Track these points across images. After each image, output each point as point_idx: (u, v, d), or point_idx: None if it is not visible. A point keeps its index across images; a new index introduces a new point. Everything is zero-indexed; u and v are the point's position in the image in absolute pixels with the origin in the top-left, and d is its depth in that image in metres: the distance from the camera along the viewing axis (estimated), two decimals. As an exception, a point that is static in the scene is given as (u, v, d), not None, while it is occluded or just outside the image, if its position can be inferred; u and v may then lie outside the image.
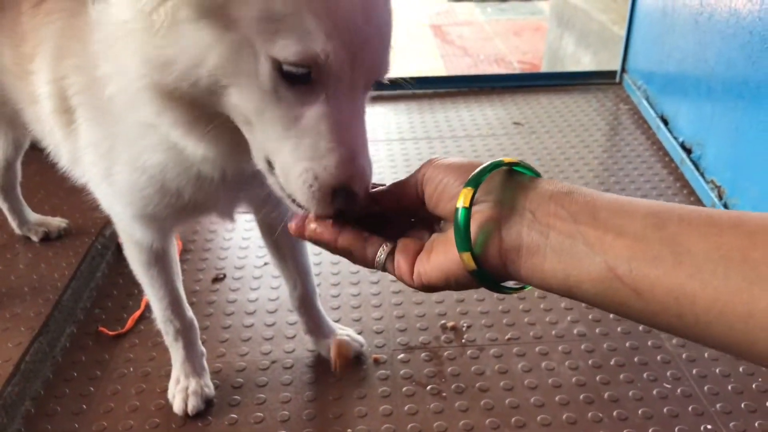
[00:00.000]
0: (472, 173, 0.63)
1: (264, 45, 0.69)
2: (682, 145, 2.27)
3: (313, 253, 1.86)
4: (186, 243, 1.92)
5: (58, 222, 1.89)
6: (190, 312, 1.36)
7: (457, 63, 5.90)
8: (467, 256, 0.61)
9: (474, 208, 0.62)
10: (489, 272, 0.62)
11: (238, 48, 0.71)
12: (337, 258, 1.84)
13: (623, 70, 2.94)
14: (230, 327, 1.60)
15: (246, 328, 1.60)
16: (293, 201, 0.76)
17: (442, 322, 1.59)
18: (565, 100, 2.88)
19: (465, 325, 1.58)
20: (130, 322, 1.60)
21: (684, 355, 1.48)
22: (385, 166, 2.36)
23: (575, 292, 0.58)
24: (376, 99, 3.04)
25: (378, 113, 2.82)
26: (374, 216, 0.73)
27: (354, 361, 1.47)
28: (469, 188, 0.61)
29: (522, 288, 0.65)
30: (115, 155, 1.05)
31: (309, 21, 0.67)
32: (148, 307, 1.62)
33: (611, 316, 1.60)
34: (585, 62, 3.97)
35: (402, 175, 2.36)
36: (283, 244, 1.39)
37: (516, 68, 5.79)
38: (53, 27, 1.10)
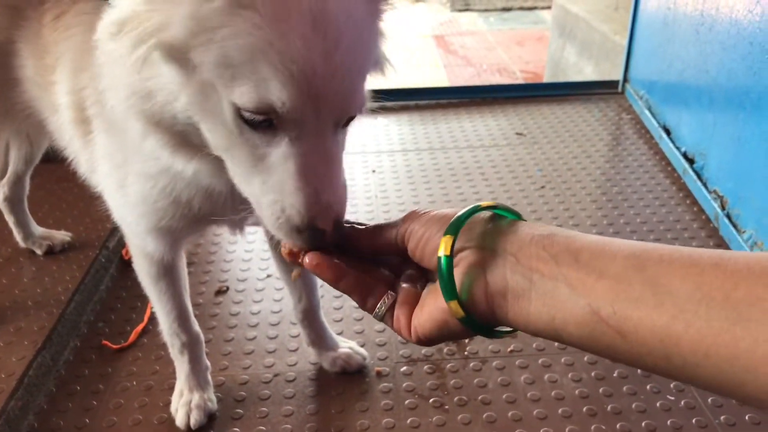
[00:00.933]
0: (451, 220, 0.63)
1: (224, 90, 0.70)
2: (685, 155, 2.27)
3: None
4: (189, 255, 1.92)
5: (62, 236, 1.90)
6: (196, 326, 1.36)
7: (459, 73, 5.92)
8: (454, 304, 0.61)
9: (457, 256, 0.63)
10: (478, 318, 0.62)
11: (203, 90, 0.73)
12: (339, 270, 1.84)
13: (625, 79, 2.94)
14: (233, 340, 1.60)
15: (249, 341, 1.60)
16: None
17: (445, 334, 1.59)
18: (567, 110, 2.88)
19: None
20: (133, 336, 1.61)
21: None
22: (389, 178, 2.37)
23: (562, 336, 0.58)
24: (379, 110, 3.04)
25: (381, 124, 2.83)
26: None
27: (357, 374, 1.47)
28: (449, 236, 0.62)
29: (513, 331, 0.64)
30: (128, 166, 1.07)
31: (264, 70, 0.67)
32: (151, 321, 1.64)
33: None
34: (587, 72, 3.98)
35: (404, 186, 2.35)
36: None
37: (519, 77, 5.81)
38: (72, 40, 1.13)
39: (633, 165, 2.39)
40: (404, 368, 1.49)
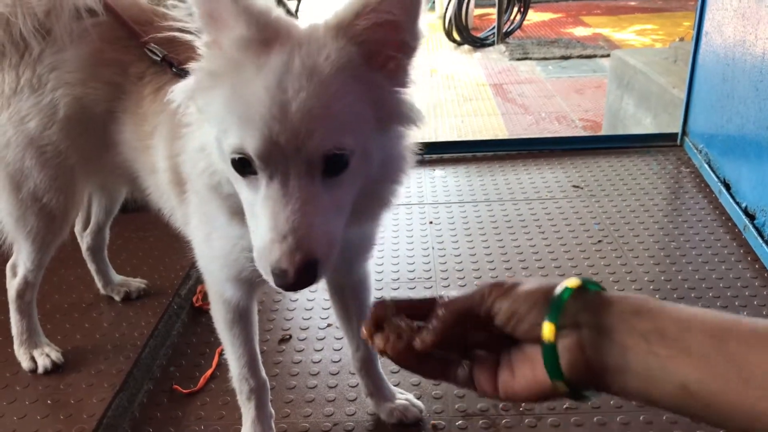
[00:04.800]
0: (549, 305, 0.68)
1: (223, 140, 0.87)
2: (746, 211, 2.26)
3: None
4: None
5: (137, 283, 2.03)
6: (263, 372, 1.44)
7: (518, 121, 5.96)
8: (560, 384, 0.68)
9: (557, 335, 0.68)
10: (579, 390, 0.68)
11: (218, 143, 0.89)
12: (397, 322, 1.90)
13: (684, 132, 2.94)
14: (295, 388, 1.67)
15: (309, 389, 1.67)
16: None
17: (500, 388, 1.62)
18: (625, 163, 2.90)
19: (522, 392, 1.60)
20: (202, 381, 1.70)
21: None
22: (446, 229, 2.43)
23: (658, 405, 0.64)
24: (436, 162, 3.13)
25: (438, 175, 2.90)
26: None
27: (413, 426, 1.52)
28: (551, 323, 0.67)
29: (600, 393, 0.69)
30: (213, 223, 1.19)
31: (237, 120, 0.83)
32: (218, 367, 1.73)
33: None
34: (646, 123, 3.98)
35: (461, 238, 2.39)
36: (350, 306, 1.47)
37: (578, 125, 5.81)
38: (168, 112, 1.25)
39: (692, 220, 2.38)
40: (460, 422, 1.53)
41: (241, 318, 1.35)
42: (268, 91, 0.82)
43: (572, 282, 0.69)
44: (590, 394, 0.69)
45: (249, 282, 1.24)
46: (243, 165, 0.85)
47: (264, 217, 0.84)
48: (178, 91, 0.97)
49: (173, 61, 1.28)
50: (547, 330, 0.67)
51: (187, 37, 0.95)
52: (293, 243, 0.82)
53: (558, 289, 0.69)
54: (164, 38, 1.33)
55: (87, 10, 1.37)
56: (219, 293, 1.32)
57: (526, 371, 0.71)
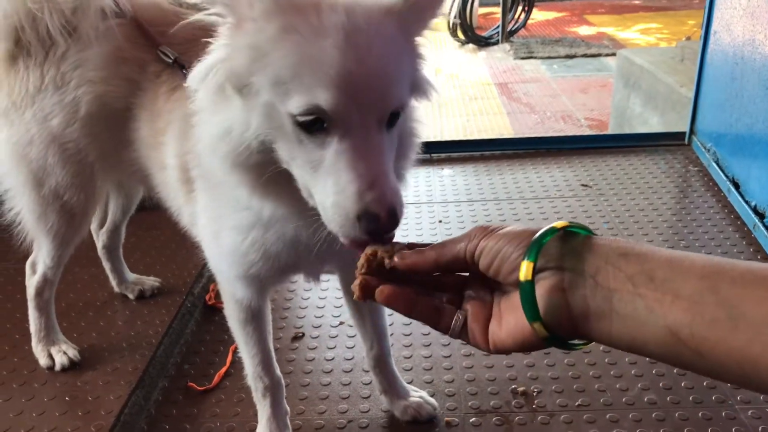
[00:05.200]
0: (529, 244, 0.67)
1: (281, 105, 0.86)
2: (755, 210, 2.26)
3: (386, 314, 1.94)
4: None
5: (151, 281, 2.04)
6: (278, 370, 1.46)
7: (523, 120, 5.98)
8: (538, 325, 0.66)
9: (537, 277, 0.67)
10: (559, 336, 0.67)
11: (267, 111, 0.88)
12: (409, 321, 1.91)
13: (692, 131, 2.95)
14: (309, 385, 1.69)
15: (323, 386, 1.68)
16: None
17: (513, 386, 1.63)
18: (633, 162, 2.90)
19: (535, 390, 1.62)
20: (216, 378, 1.71)
21: (760, 428, 1.47)
22: (455, 228, 2.44)
23: (642, 352, 0.63)
24: (444, 161, 3.14)
25: (447, 175, 2.92)
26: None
27: (427, 423, 1.53)
28: (530, 261, 0.66)
29: (588, 343, 0.69)
30: (222, 221, 1.21)
31: (309, 79, 0.83)
32: (233, 365, 1.74)
33: (682, 384, 1.60)
34: (653, 122, 3.98)
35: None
36: (364, 305, 1.48)
37: (583, 125, 5.82)
38: (179, 111, 1.27)
39: (701, 218, 2.39)
40: (473, 419, 1.54)
41: (254, 317, 1.36)
42: (339, 50, 0.83)
43: (559, 223, 0.68)
44: (574, 344, 0.68)
45: (259, 280, 1.25)
46: (312, 124, 0.85)
47: (344, 170, 0.85)
48: (193, 78, 0.97)
49: (184, 64, 1.29)
50: (525, 268, 0.66)
51: (211, 24, 0.95)
52: (381, 189, 0.84)
53: (542, 230, 0.68)
54: (183, 38, 1.37)
55: (112, 11, 1.40)
56: (231, 293, 1.34)
57: (510, 318, 0.70)
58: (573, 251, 0.66)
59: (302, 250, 1.15)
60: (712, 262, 0.58)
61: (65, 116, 1.42)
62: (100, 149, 1.48)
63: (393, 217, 0.83)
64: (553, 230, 0.67)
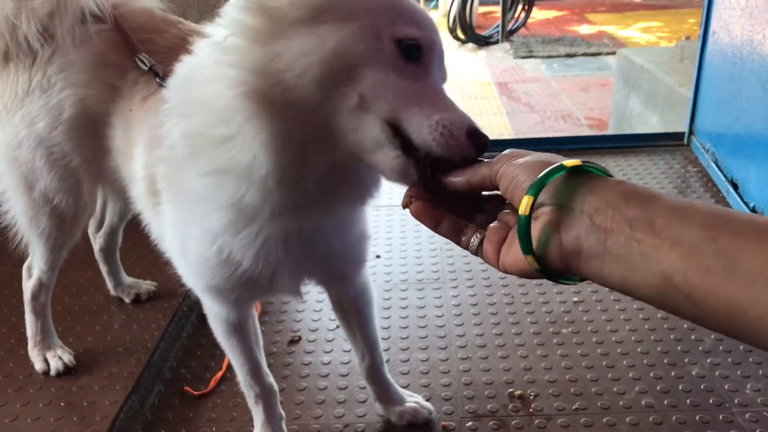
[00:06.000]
0: (536, 178, 0.68)
1: (390, 29, 0.87)
2: (753, 211, 2.26)
3: (381, 317, 1.94)
4: (264, 305, 2.03)
5: (147, 285, 2.04)
6: (270, 378, 1.45)
7: (523, 120, 5.97)
8: (530, 258, 0.68)
9: (537, 211, 0.68)
10: (551, 270, 0.69)
11: (361, 34, 0.87)
12: (405, 324, 1.91)
13: (691, 132, 2.94)
14: (305, 389, 1.68)
15: (320, 390, 1.68)
16: (421, 159, 0.84)
17: (510, 390, 1.63)
18: (632, 163, 2.90)
19: (532, 393, 1.61)
20: (212, 383, 1.71)
21: (758, 431, 1.46)
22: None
23: (632, 294, 0.63)
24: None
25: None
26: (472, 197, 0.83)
27: (423, 428, 1.52)
28: (530, 196, 0.67)
29: (583, 280, 0.69)
30: (188, 232, 1.17)
31: (417, 16, 0.91)
32: (229, 368, 1.73)
33: (680, 387, 1.60)
34: (653, 122, 3.97)
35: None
36: (352, 318, 1.47)
37: (583, 124, 5.81)
38: (149, 121, 1.26)
39: (700, 219, 2.38)
40: (470, 423, 1.54)
41: (235, 330, 1.35)
42: (423, 11, 0.93)
43: (570, 162, 0.68)
44: (567, 279, 0.70)
45: (223, 292, 1.21)
46: (411, 52, 0.88)
47: (442, 99, 0.89)
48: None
49: (159, 71, 1.27)
50: (524, 203, 0.67)
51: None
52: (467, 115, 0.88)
53: (549, 168, 0.68)
54: (165, 47, 1.36)
55: (93, 16, 1.38)
56: (209, 307, 1.33)
57: (516, 245, 0.71)
58: (575, 190, 0.66)
59: (272, 255, 1.10)
60: (715, 212, 0.59)
61: (50, 119, 1.41)
62: (84, 154, 1.46)
63: (487, 136, 0.86)
64: (561, 168, 0.67)
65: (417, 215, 0.82)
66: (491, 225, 0.78)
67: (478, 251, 0.78)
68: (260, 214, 1.01)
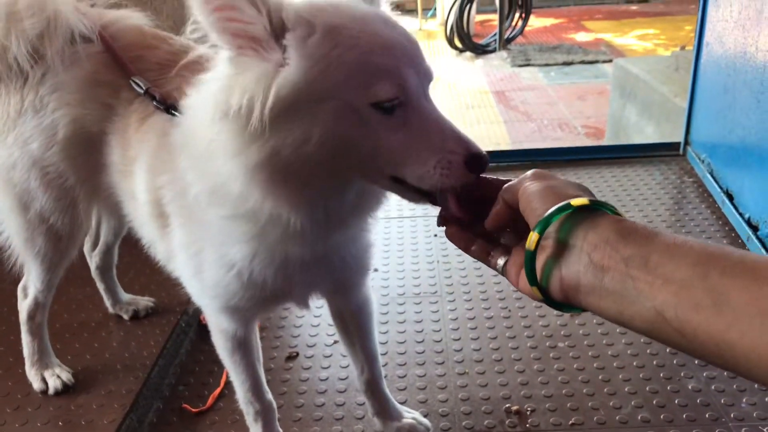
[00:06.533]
0: (546, 212, 0.72)
1: (363, 97, 0.88)
2: (748, 222, 2.27)
3: (379, 332, 1.94)
4: (262, 321, 2.04)
5: (145, 301, 2.04)
6: (269, 395, 1.46)
7: (520, 129, 5.98)
8: (535, 289, 0.73)
9: (542, 244, 0.72)
10: (555, 300, 0.73)
11: (338, 113, 0.89)
12: (403, 338, 1.92)
13: (686, 142, 2.95)
14: (303, 406, 1.69)
15: (317, 407, 1.68)
16: (430, 195, 0.92)
17: (507, 405, 1.63)
18: (628, 173, 2.91)
19: (529, 409, 1.62)
20: (210, 400, 1.71)
21: (753, 445, 1.47)
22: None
23: (628, 326, 0.67)
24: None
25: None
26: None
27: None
28: (536, 234, 0.72)
29: (582, 311, 0.72)
30: (203, 256, 1.20)
31: (384, 67, 0.89)
32: (227, 386, 1.74)
33: (676, 401, 1.60)
34: (648, 132, 3.99)
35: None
36: (353, 331, 1.49)
37: (580, 132, 5.82)
38: (149, 144, 1.28)
39: (695, 230, 2.39)
40: (466, 439, 1.54)
41: (240, 346, 1.37)
42: (390, 39, 0.91)
43: (578, 201, 0.71)
44: (568, 309, 0.74)
45: (242, 310, 1.25)
46: (391, 107, 0.89)
47: (433, 131, 0.90)
48: (206, 118, 0.96)
49: (156, 95, 1.28)
50: (530, 238, 0.72)
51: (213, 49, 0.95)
52: (464, 135, 0.91)
53: (557, 206, 0.72)
54: (156, 63, 1.37)
55: (82, 36, 1.39)
56: (216, 324, 1.35)
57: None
58: (578, 227, 0.70)
59: (291, 270, 1.16)
60: (708, 250, 0.62)
61: (44, 140, 1.42)
62: (80, 173, 1.47)
63: (485, 153, 0.90)
64: (567, 207, 0.71)
65: (450, 237, 0.89)
66: (515, 248, 0.83)
67: (503, 271, 0.84)
68: (282, 243, 1.07)
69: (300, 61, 0.88)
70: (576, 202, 0.71)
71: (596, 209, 0.72)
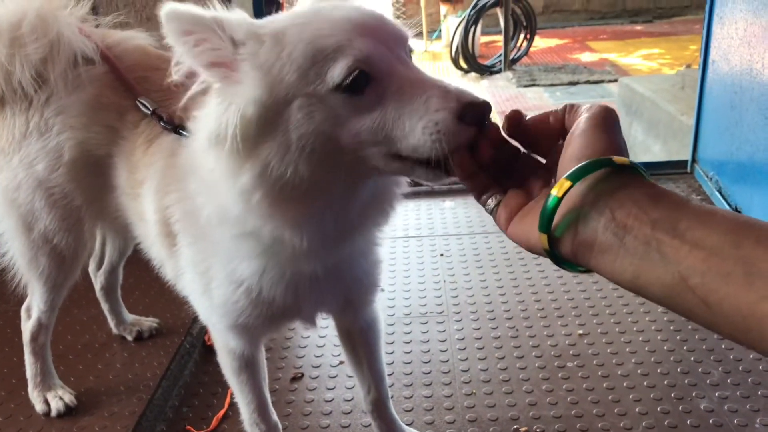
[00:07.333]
0: (579, 165, 0.67)
1: (322, 85, 0.85)
2: (759, 239, 2.24)
3: (385, 352, 1.92)
4: (267, 342, 2.02)
5: (149, 322, 2.03)
6: (274, 416, 1.44)
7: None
8: (544, 237, 0.68)
9: (567, 194, 0.67)
10: (560, 254, 0.69)
11: (305, 110, 0.87)
12: (409, 359, 1.89)
13: (694, 160, 2.94)
14: (308, 428, 1.66)
15: (323, 429, 1.66)
16: (432, 163, 0.83)
17: (515, 426, 1.60)
18: (636, 191, 2.88)
19: (538, 430, 1.58)
20: (214, 422, 1.69)
21: (768, 467, 1.43)
22: (456, 261, 2.42)
23: (642, 292, 0.63)
24: (446, 193, 3.13)
25: (448, 207, 2.90)
26: (505, 160, 0.82)
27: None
28: (568, 181, 0.67)
29: (588, 270, 0.68)
30: (212, 274, 1.20)
31: (331, 47, 0.84)
32: (231, 407, 1.72)
33: (688, 422, 1.57)
34: (655, 150, 3.98)
35: (473, 270, 2.41)
36: (360, 350, 1.47)
37: (586, 152, 5.81)
38: (157, 166, 1.28)
39: (705, 249, 2.36)
40: (474, 462, 1.51)
41: (247, 366, 1.35)
42: (339, 18, 0.87)
43: (620, 159, 0.67)
44: (571, 268, 0.70)
45: (250, 329, 1.24)
46: (357, 82, 0.84)
47: (415, 95, 0.83)
48: (202, 145, 0.97)
49: (163, 116, 1.28)
50: (561, 185, 0.67)
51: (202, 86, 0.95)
52: (452, 86, 0.83)
53: (597, 159, 0.67)
54: (161, 85, 1.37)
55: (84, 58, 1.40)
56: (224, 343, 1.33)
57: (529, 220, 0.72)
58: (606, 183, 0.66)
59: (302, 289, 1.15)
60: (740, 219, 0.59)
61: (49, 162, 1.42)
62: (86, 195, 1.47)
63: (482, 100, 0.82)
64: (609, 163, 0.67)
65: (457, 164, 0.81)
66: (511, 189, 0.78)
67: (492, 212, 0.79)
68: (291, 260, 1.06)
69: (255, 74, 0.88)
70: (619, 160, 0.67)
71: (633, 172, 0.68)
